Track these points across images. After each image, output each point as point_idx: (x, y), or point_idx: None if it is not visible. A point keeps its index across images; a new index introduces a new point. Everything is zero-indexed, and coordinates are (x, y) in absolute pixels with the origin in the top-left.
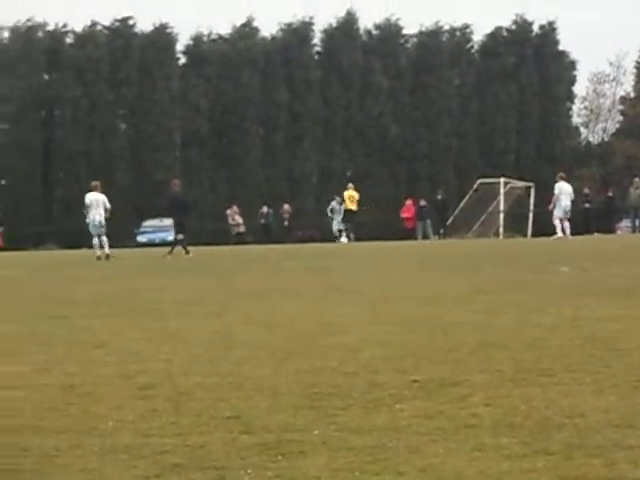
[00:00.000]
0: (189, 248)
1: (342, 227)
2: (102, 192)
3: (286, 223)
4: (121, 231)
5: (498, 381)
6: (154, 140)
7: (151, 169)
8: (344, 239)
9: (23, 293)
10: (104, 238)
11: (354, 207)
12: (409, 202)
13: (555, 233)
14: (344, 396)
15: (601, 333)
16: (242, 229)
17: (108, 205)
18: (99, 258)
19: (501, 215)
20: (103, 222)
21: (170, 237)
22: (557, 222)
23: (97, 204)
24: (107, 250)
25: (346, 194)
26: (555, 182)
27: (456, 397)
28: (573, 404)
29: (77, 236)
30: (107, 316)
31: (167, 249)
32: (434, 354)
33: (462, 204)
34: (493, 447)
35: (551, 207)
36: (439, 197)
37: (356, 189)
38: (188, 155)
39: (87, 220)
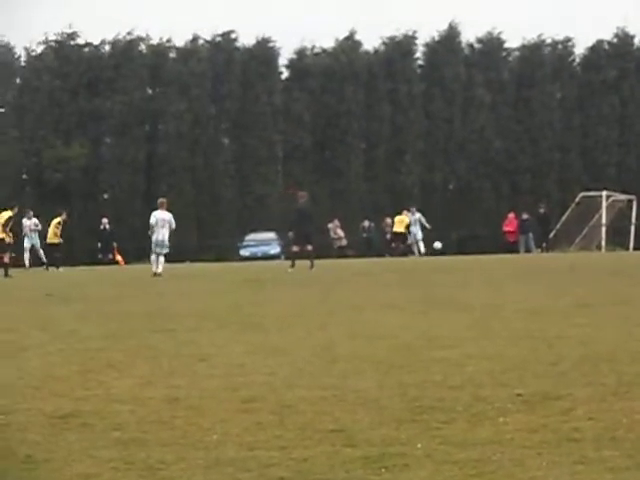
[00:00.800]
0: (297, 262)
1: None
2: (169, 210)
3: (388, 237)
4: (225, 245)
5: (601, 395)
6: (257, 154)
7: (254, 183)
8: (420, 250)
9: (129, 307)
10: (161, 258)
11: (402, 229)
12: (511, 215)
13: None
14: (448, 410)
15: None
16: (344, 242)
17: (174, 226)
18: (155, 275)
19: (603, 228)
20: (167, 242)
21: (272, 251)
22: None
23: (162, 223)
24: (160, 269)
25: (397, 218)
26: None
27: (559, 411)
28: None
29: (179, 250)
30: (211, 330)
31: (288, 263)
32: (538, 368)
33: (564, 217)
34: (596, 460)
35: None
36: (541, 211)
37: (456, 202)
38: (290, 168)
39: (152, 239)
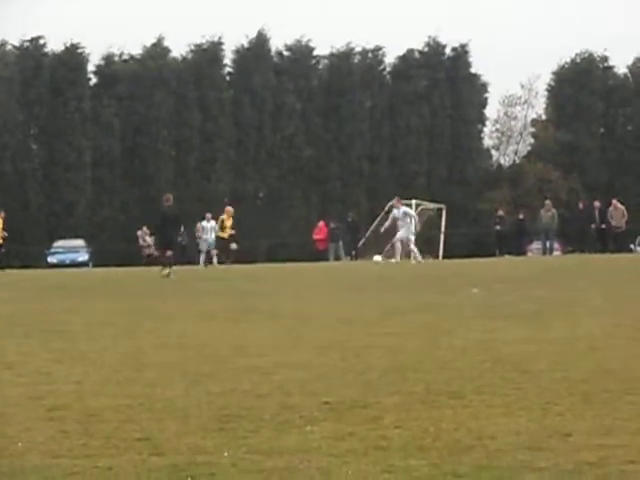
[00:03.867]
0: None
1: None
2: None
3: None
4: (33, 252)
5: (409, 403)
6: (65, 160)
7: (62, 189)
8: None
9: None
10: None
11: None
12: (321, 224)
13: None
14: (255, 418)
15: (511, 355)
16: (153, 250)
17: None
18: None
19: (412, 237)
20: None
21: (80, 258)
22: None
23: None
24: None
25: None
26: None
27: (367, 419)
28: (483, 426)
29: None
30: (18, 337)
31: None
32: (345, 376)
33: (373, 226)
34: (403, 469)
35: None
36: (349, 219)
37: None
38: (99, 175)
39: None
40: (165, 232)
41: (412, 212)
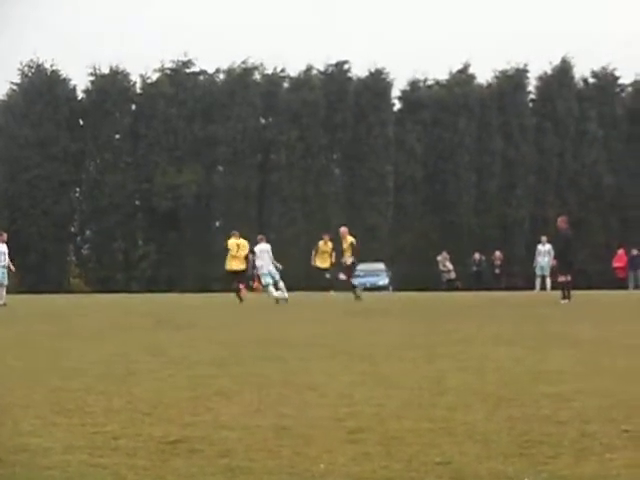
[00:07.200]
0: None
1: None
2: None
3: (497, 270)
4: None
5: None
6: (367, 184)
7: (364, 213)
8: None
9: (238, 334)
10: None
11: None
12: (621, 251)
13: None
14: (555, 444)
15: None
16: (452, 275)
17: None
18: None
19: None
20: (264, 270)
21: (381, 282)
22: None
23: (261, 252)
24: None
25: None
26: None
27: None
28: None
29: (293, 278)
30: (321, 358)
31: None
32: None
33: None
34: None
35: None
36: None
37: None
38: (401, 200)
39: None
40: (568, 255)
41: None
